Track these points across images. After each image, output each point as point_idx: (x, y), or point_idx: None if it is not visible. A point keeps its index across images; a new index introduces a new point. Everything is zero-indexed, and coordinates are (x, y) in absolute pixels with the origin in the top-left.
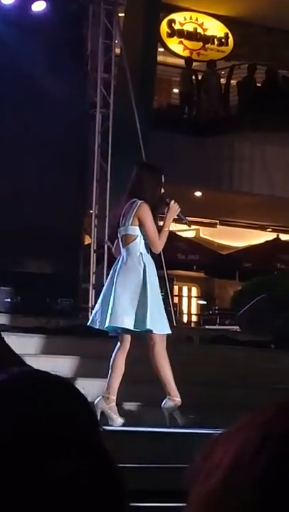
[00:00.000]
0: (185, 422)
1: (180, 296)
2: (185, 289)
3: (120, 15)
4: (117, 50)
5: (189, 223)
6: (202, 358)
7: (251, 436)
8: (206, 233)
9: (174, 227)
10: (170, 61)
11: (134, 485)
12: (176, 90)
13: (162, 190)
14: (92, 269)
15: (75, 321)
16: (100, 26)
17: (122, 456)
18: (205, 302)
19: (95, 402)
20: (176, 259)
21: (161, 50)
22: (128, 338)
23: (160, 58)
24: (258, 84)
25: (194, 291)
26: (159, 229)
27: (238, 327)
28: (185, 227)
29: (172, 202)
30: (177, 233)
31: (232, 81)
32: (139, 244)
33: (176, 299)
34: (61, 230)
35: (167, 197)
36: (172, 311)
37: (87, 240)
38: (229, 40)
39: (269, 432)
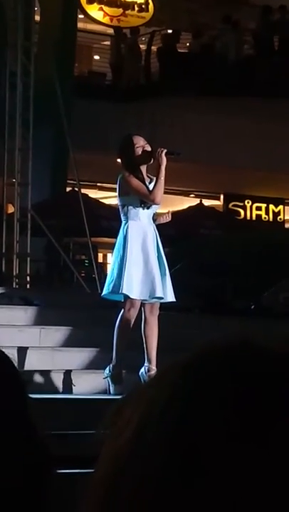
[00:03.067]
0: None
1: (104, 264)
2: (109, 256)
3: None
4: (37, 18)
5: (180, 152)
6: None
7: (160, 393)
8: None
9: (97, 194)
10: (90, 28)
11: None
12: (96, 57)
13: (144, 149)
14: (16, 237)
15: None
16: None
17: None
18: None
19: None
20: (99, 226)
21: (81, 16)
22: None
23: (80, 25)
24: (180, 51)
25: None
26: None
27: None
28: None
29: (158, 152)
30: (100, 200)
31: (152, 47)
32: (126, 213)
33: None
34: None
35: (152, 151)
36: (96, 277)
37: (11, 209)
38: (149, 6)
39: (177, 388)
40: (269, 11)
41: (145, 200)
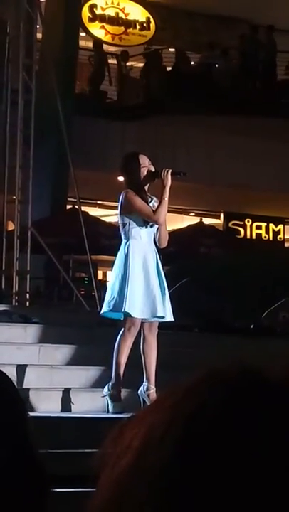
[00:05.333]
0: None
1: (104, 281)
2: (109, 273)
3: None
4: (39, 35)
5: (186, 172)
6: None
7: (160, 418)
8: None
9: (98, 211)
10: (92, 46)
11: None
12: None
13: (149, 169)
14: (16, 255)
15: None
16: (20, 11)
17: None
18: None
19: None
20: (99, 244)
21: (82, 34)
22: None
23: (82, 43)
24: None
25: None
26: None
27: None
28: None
29: (163, 173)
30: (100, 218)
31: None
32: (127, 232)
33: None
34: None
35: (157, 172)
36: (96, 295)
37: (11, 226)
38: (151, 25)
39: (177, 413)
40: (271, 30)
41: (148, 220)
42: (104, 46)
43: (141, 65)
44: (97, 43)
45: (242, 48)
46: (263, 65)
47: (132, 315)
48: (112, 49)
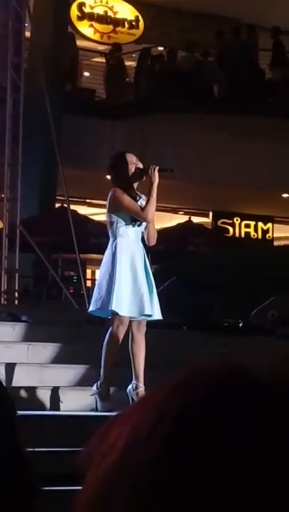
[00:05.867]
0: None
1: (93, 280)
2: (98, 272)
3: None
4: (27, 34)
5: (173, 168)
6: None
7: (147, 416)
8: None
9: (87, 210)
10: (80, 44)
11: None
12: (86, 74)
13: (136, 166)
14: (4, 253)
15: None
16: (9, 9)
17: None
18: None
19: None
20: (88, 242)
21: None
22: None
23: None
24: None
25: None
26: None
27: None
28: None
29: (150, 170)
30: (89, 217)
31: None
32: (115, 230)
33: (88, 283)
34: None
35: (144, 169)
36: (85, 294)
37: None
38: (140, 23)
39: (164, 411)
40: (254, 29)
41: (137, 218)
42: (94, 44)
43: (130, 63)
44: (72, 38)
45: (222, 46)
46: (248, 64)
47: (120, 313)
48: (101, 47)
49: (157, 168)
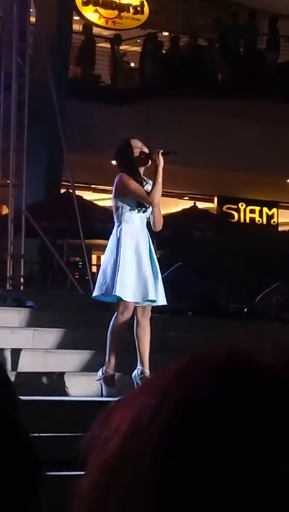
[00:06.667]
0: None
1: (98, 265)
2: (103, 257)
3: None
4: (32, 19)
5: (176, 151)
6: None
7: (149, 401)
8: None
9: (92, 195)
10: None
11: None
12: None
13: (142, 150)
14: (10, 239)
15: None
16: None
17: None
18: None
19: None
20: (93, 228)
21: (76, 18)
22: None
23: (75, 27)
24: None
25: None
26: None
27: None
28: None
29: (154, 154)
30: (95, 202)
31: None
32: (120, 215)
33: (93, 268)
34: None
35: (149, 153)
36: (90, 279)
37: (5, 210)
38: (145, 9)
39: (166, 397)
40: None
41: (143, 202)
42: (98, 30)
43: (135, 49)
44: (88, 26)
45: (221, 31)
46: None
47: (124, 298)
48: (105, 33)
49: (161, 151)
